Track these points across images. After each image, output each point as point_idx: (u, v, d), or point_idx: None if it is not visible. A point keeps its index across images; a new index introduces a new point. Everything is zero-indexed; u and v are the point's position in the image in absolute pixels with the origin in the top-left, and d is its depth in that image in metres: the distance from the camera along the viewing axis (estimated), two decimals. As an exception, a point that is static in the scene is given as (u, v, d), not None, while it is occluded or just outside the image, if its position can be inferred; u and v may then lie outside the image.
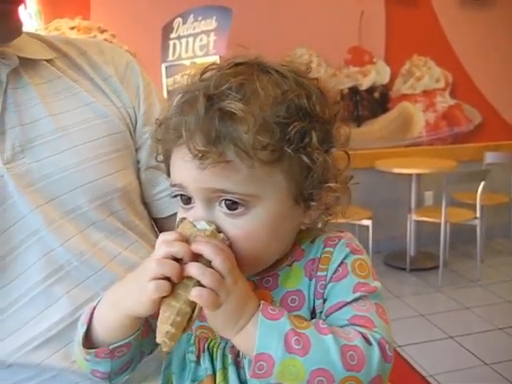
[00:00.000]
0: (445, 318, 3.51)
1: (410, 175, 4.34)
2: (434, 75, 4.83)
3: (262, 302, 0.63)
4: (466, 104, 4.93)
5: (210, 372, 0.69)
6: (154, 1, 3.98)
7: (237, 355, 0.69)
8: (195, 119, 0.61)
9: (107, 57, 1.01)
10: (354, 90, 4.66)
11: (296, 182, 0.65)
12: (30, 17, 3.49)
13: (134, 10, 3.97)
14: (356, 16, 4.51)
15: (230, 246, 0.63)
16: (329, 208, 0.69)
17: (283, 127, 0.62)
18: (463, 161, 4.40)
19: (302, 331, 0.60)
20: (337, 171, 0.68)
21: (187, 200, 0.67)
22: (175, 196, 0.68)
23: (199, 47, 3.74)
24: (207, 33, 3.71)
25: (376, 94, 4.75)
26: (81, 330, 0.69)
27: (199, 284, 0.59)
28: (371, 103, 4.74)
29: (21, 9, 0.86)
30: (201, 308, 0.60)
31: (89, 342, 0.69)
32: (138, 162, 1.00)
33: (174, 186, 0.67)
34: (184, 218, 0.66)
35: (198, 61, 3.68)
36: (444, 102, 4.89)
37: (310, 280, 0.68)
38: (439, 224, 4.00)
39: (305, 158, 0.64)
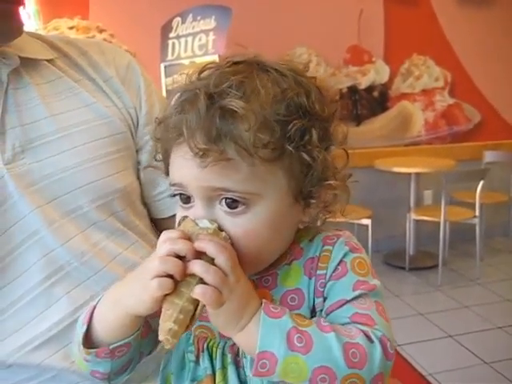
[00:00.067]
0: (444, 317, 3.51)
1: (410, 174, 4.34)
2: (433, 74, 4.83)
3: (264, 300, 0.63)
4: (465, 103, 4.93)
5: (209, 372, 0.69)
6: (152, 0, 3.97)
7: (236, 354, 0.69)
8: (196, 117, 0.61)
9: (108, 57, 1.01)
10: (353, 90, 4.66)
11: (296, 179, 0.66)
12: (28, 17, 3.48)
13: (133, 10, 3.96)
14: (355, 15, 4.51)
15: (232, 244, 0.63)
16: (328, 206, 0.70)
17: (283, 125, 0.63)
18: (462, 160, 4.40)
19: (304, 329, 0.60)
20: (335, 169, 0.68)
21: (187, 199, 0.67)
22: (174, 195, 0.68)
23: (198, 47, 3.74)
24: (206, 32, 3.71)
25: (375, 93, 4.75)
26: (80, 329, 0.69)
27: (202, 282, 0.59)
28: (370, 102, 4.74)
29: (21, 9, 0.86)
30: (203, 306, 0.60)
31: (88, 342, 0.69)
32: (138, 162, 1.00)
33: (174, 185, 0.67)
34: (186, 217, 0.66)
35: (197, 60, 3.68)
36: (443, 101, 4.89)
37: (310, 279, 0.68)
38: (438, 223, 4.00)
39: (305, 156, 0.64)
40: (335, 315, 0.64)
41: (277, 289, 0.69)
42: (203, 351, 0.70)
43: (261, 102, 0.62)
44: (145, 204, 1.02)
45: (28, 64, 0.90)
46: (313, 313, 0.67)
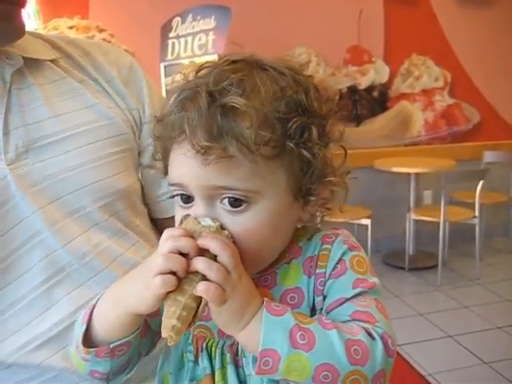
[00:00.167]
0: (444, 317, 3.51)
1: (409, 174, 4.34)
2: (432, 74, 4.83)
3: (265, 298, 0.63)
4: (464, 103, 4.93)
5: (208, 371, 0.69)
6: (152, 0, 3.97)
7: (235, 354, 0.69)
8: (197, 115, 0.61)
9: (111, 57, 1.01)
10: (352, 90, 4.66)
11: (295, 177, 0.66)
12: (28, 16, 3.48)
13: (133, 10, 3.96)
14: (355, 15, 4.51)
15: (233, 243, 0.63)
16: (326, 203, 0.70)
17: (283, 123, 0.63)
18: (462, 160, 4.41)
19: (306, 326, 0.60)
20: (334, 166, 0.69)
21: (187, 199, 0.67)
22: (173, 196, 0.68)
23: (198, 46, 3.74)
24: (206, 32, 3.71)
25: (375, 93, 4.75)
26: (80, 329, 0.69)
27: (204, 280, 0.59)
28: (370, 102, 4.74)
29: (23, 10, 0.86)
30: (206, 303, 0.60)
31: (88, 341, 0.69)
32: (141, 164, 1.00)
33: (173, 185, 0.67)
34: (188, 215, 0.65)
35: (197, 60, 3.67)
36: (443, 101, 4.90)
37: (309, 277, 0.68)
38: (438, 223, 4.00)
39: (305, 153, 0.64)
40: (336, 313, 0.64)
41: (276, 288, 0.69)
42: (202, 351, 0.70)
43: (261, 99, 0.63)
44: (146, 204, 1.03)
45: (31, 64, 0.90)
46: (312, 311, 0.67)
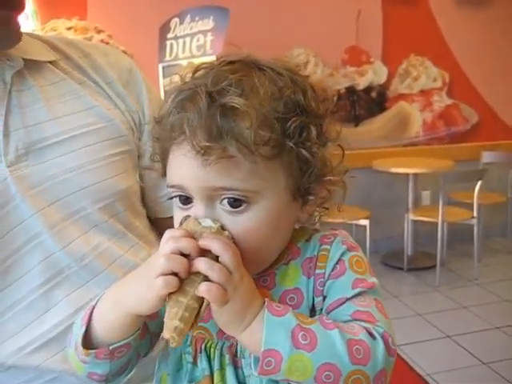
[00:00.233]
0: (442, 318, 3.52)
1: (408, 175, 4.34)
2: (431, 75, 4.84)
3: (267, 299, 0.63)
4: (462, 103, 4.94)
5: (207, 372, 0.69)
6: (150, 1, 3.97)
7: (234, 355, 0.69)
8: (197, 116, 0.61)
9: (111, 59, 1.01)
10: (351, 90, 4.66)
11: (294, 177, 0.66)
12: (26, 17, 3.48)
13: (131, 11, 3.96)
14: (353, 16, 4.52)
15: (234, 243, 0.63)
16: (324, 202, 0.70)
17: (282, 122, 0.63)
18: (460, 160, 4.41)
19: (307, 327, 0.60)
20: (331, 167, 0.69)
21: (185, 200, 0.67)
22: (172, 197, 0.68)
23: (196, 47, 3.74)
24: (204, 33, 3.71)
25: (373, 94, 4.75)
26: (79, 330, 0.68)
27: (206, 280, 0.59)
28: (368, 103, 4.74)
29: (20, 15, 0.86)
30: (208, 304, 0.60)
31: (87, 343, 0.68)
32: (142, 166, 1.00)
33: (172, 186, 0.67)
34: (188, 216, 0.65)
35: (195, 61, 3.67)
36: (441, 101, 4.90)
37: (309, 278, 0.68)
38: (436, 223, 4.01)
39: (304, 152, 0.65)
40: (336, 313, 0.65)
41: (275, 288, 0.69)
42: (201, 352, 0.70)
43: (260, 99, 0.63)
44: (146, 205, 1.03)
45: (31, 66, 0.90)
46: (312, 312, 0.68)
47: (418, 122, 4.87)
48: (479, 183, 3.96)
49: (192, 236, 0.62)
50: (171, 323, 0.59)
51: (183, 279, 0.60)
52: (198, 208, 0.65)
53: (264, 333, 0.60)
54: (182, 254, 0.60)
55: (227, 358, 0.69)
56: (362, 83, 4.68)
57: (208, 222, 0.63)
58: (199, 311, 0.60)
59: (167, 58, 3.87)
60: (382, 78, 4.74)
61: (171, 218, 0.71)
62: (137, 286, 0.63)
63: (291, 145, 0.64)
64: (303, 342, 0.59)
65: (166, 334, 0.59)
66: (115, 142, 0.94)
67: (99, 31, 3.88)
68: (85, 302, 0.84)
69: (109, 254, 0.90)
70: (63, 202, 0.87)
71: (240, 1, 3.99)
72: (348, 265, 0.67)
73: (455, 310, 3.63)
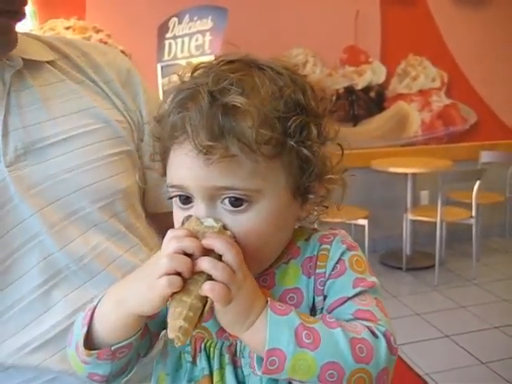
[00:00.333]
0: (441, 317, 3.52)
1: (406, 174, 4.35)
2: (429, 75, 4.84)
3: (269, 298, 0.63)
4: (461, 103, 4.94)
5: (206, 372, 0.69)
6: (149, 0, 3.97)
7: (234, 354, 0.69)
8: (199, 115, 0.61)
9: (110, 58, 1.02)
10: (349, 90, 4.67)
11: (294, 176, 0.66)
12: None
13: (130, 10, 3.96)
14: (351, 16, 4.52)
15: (236, 242, 0.63)
16: (323, 200, 0.71)
17: (283, 122, 0.63)
18: (459, 160, 4.42)
19: (311, 325, 0.60)
20: (331, 165, 0.69)
21: (185, 200, 0.66)
22: (172, 197, 0.68)
23: (195, 47, 3.74)
24: (203, 33, 3.71)
25: (372, 94, 4.75)
26: (80, 331, 0.68)
27: (209, 280, 0.59)
28: (367, 103, 4.74)
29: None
30: (211, 303, 0.60)
31: (88, 344, 0.68)
32: (145, 166, 1.00)
33: (173, 186, 0.67)
34: (190, 216, 0.65)
35: (194, 61, 3.67)
36: (439, 101, 4.90)
37: (309, 278, 0.68)
38: (435, 223, 4.01)
39: (305, 151, 0.65)
40: (337, 312, 0.65)
41: (275, 288, 0.69)
42: (200, 351, 0.70)
43: (261, 98, 0.63)
44: (146, 203, 1.03)
45: (30, 66, 0.90)
46: (312, 311, 0.68)
47: (417, 122, 4.88)
48: (478, 183, 3.96)
49: (195, 236, 0.61)
50: (175, 323, 0.58)
51: (186, 279, 0.60)
52: (198, 208, 0.65)
53: (268, 332, 0.60)
54: (185, 254, 0.60)
55: (227, 357, 0.68)
56: (360, 83, 4.69)
57: (210, 222, 0.63)
58: (203, 311, 0.60)
59: (166, 57, 3.87)
60: (380, 77, 4.75)
61: (171, 212, 0.71)
62: (139, 285, 0.63)
63: (292, 144, 0.64)
64: (307, 341, 0.59)
65: (170, 333, 0.59)
66: (114, 142, 0.94)
67: (98, 31, 3.88)
68: (83, 303, 0.84)
69: (108, 254, 0.90)
70: (62, 202, 0.87)
71: (238, 1, 3.99)
72: (348, 264, 0.67)
73: (454, 310, 3.64)
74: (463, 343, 3.14)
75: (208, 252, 0.60)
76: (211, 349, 0.69)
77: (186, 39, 3.78)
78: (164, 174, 0.70)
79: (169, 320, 0.59)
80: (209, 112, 0.61)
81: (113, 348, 0.67)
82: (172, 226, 0.69)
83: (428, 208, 4.46)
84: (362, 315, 0.63)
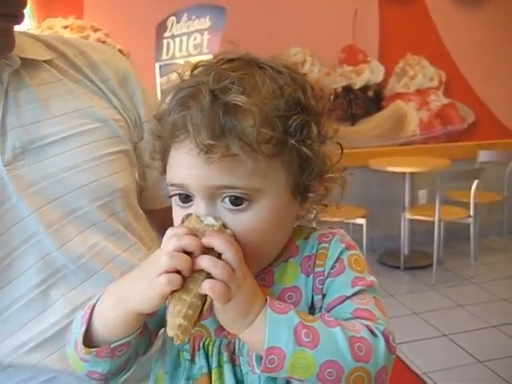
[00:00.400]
0: (439, 316, 3.53)
1: (404, 174, 4.35)
2: (427, 74, 4.84)
3: (268, 297, 0.63)
4: (459, 103, 4.94)
5: (205, 370, 0.69)
6: (147, 0, 3.97)
7: (232, 353, 0.69)
8: (201, 114, 0.61)
9: (107, 56, 1.02)
10: (347, 89, 4.67)
11: (294, 175, 0.67)
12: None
13: (128, 9, 3.96)
14: (350, 15, 4.52)
15: (236, 241, 0.64)
16: (322, 199, 0.71)
17: (284, 121, 0.63)
18: (457, 159, 4.42)
19: (310, 324, 0.60)
20: (331, 164, 0.69)
21: (185, 198, 0.66)
22: (172, 196, 0.68)
23: (193, 46, 3.74)
24: (201, 32, 3.71)
25: (370, 93, 4.76)
26: (79, 329, 0.68)
27: (209, 278, 0.59)
28: (365, 102, 4.75)
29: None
30: (211, 302, 0.60)
31: (87, 341, 0.68)
32: (145, 164, 1.00)
33: (173, 185, 0.67)
34: (190, 214, 0.65)
35: (192, 60, 3.66)
36: (438, 100, 4.91)
37: (307, 276, 0.68)
38: (433, 222, 4.02)
39: (305, 150, 0.65)
40: (336, 311, 0.65)
41: (274, 286, 0.69)
42: (199, 350, 0.70)
43: (261, 97, 0.63)
44: (145, 199, 1.03)
45: (28, 65, 0.90)
46: (311, 310, 0.68)
47: (415, 121, 4.88)
48: (476, 182, 3.97)
49: (194, 234, 0.62)
50: (175, 321, 0.58)
51: (186, 277, 0.60)
52: (198, 206, 0.65)
53: (267, 330, 0.60)
54: (185, 252, 0.60)
55: (225, 355, 0.69)
56: (358, 82, 4.69)
57: (210, 220, 0.63)
58: (202, 309, 0.60)
59: (164, 56, 3.86)
60: (378, 77, 4.75)
61: (169, 208, 0.71)
62: (139, 283, 0.63)
63: (293, 143, 0.64)
64: (306, 340, 0.59)
65: (169, 331, 0.59)
66: (111, 142, 0.94)
67: (96, 30, 3.88)
68: (81, 302, 0.84)
69: (105, 254, 0.90)
70: (60, 201, 0.87)
71: (237, 0, 3.99)
72: (347, 263, 0.67)
73: (451, 309, 3.64)
74: (461, 342, 3.15)
75: (208, 250, 0.60)
76: (210, 347, 0.70)
77: (184, 38, 3.78)
78: (164, 172, 0.69)
79: (168, 318, 0.60)
80: (210, 111, 0.61)
81: (112, 346, 0.67)
82: (170, 222, 0.69)
83: (426, 207, 4.47)
84: (360, 314, 0.63)
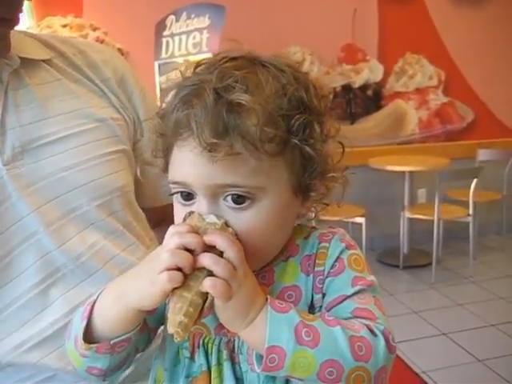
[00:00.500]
0: (438, 315, 3.53)
1: (403, 173, 4.35)
2: (426, 73, 4.84)
3: (269, 296, 0.63)
4: (458, 101, 4.94)
5: (204, 368, 0.69)
6: (146, -2, 3.97)
7: (232, 351, 0.69)
8: (204, 112, 0.61)
9: (106, 55, 1.02)
10: (347, 88, 4.66)
11: (295, 174, 0.67)
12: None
13: (127, 8, 3.95)
14: (349, 14, 4.52)
15: (237, 239, 0.64)
16: (323, 197, 0.71)
17: (287, 120, 0.64)
18: (456, 158, 4.42)
19: (310, 323, 0.60)
20: (333, 163, 0.69)
21: (187, 196, 0.66)
22: (173, 194, 0.68)
23: (192, 45, 3.74)
24: (200, 30, 3.70)
25: (369, 92, 4.75)
26: (80, 325, 0.68)
27: (210, 276, 0.59)
28: (364, 101, 4.74)
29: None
30: (212, 300, 0.60)
31: (87, 337, 0.68)
32: (146, 162, 1.00)
33: (175, 183, 0.67)
34: (192, 212, 0.65)
35: (191, 58, 3.67)
36: (437, 99, 4.91)
37: (307, 276, 0.68)
38: (432, 221, 4.02)
39: (308, 149, 0.65)
40: (336, 311, 0.65)
41: (274, 285, 0.69)
42: (198, 347, 0.70)
43: (265, 96, 0.63)
44: (144, 196, 1.02)
45: (27, 65, 0.91)
46: (311, 309, 0.68)
47: (414, 120, 4.88)
48: (475, 181, 3.97)
49: (196, 232, 0.62)
50: (176, 318, 0.58)
51: (187, 275, 0.60)
52: (201, 204, 0.65)
53: (268, 329, 0.60)
54: (187, 250, 0.60)
55: (225, 353, 0.69)
56: (357, 81, 4.69)
57: (212, 218, 0.63)
58: (203, 307, 0.60)
59: (163, 55, 3.86)
60: (377, 75, 4.75)
61: (169, 205, 0.71)
62: (140, 280, 0.63)
63: (295, 142, 0.64)
64: (306, 339, 0.59)
65: (170, 328, 0.59)
66: (110, 141, 0.94)
67: (95, 28, 3.88)
68: (81, 301, 0.84)
69: (105, 253, 0.90)
70: (60, 200, 0.87)
71: (235, -2, 3.99)
72: (347, 263, 0.67)
73: (451, 308, 3.64)
74: (460, 341, 3.15)
75: (209, 248, 0.61)
76: (209, 345, 0.70)
77: (184, 37, 3.78)
78: (165, 170, 0.70)
79: (169, 315, 0.60)
80: (214, 109, 0.61)
81: (112, 342, 0.67)
82: (171, 220, 0.69)
83: (425, 206, 4.47)
84: (360, 313, 0.63)
